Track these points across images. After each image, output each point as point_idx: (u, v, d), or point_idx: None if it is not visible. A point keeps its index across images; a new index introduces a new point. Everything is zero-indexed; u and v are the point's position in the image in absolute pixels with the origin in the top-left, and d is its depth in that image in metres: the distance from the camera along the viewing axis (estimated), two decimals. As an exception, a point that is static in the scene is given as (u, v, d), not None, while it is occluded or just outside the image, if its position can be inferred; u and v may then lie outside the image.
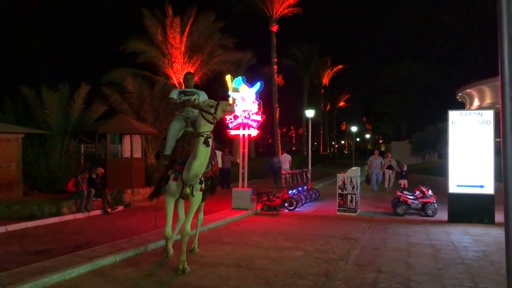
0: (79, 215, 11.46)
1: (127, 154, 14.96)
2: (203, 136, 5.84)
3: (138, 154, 15.17)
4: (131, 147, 14.70)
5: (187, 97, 6.64)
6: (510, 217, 2.04)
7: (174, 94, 6.92)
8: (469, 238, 8.71)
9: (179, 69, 22.17)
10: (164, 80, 21.58)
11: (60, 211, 11.31)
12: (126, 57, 21.11)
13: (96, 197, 12.12)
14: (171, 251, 6.89)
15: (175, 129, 6.52)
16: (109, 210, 12.15)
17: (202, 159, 5.92)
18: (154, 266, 6.58)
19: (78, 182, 11.78)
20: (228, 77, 12.40)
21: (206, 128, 5.89)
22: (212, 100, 6.07)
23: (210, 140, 5.90)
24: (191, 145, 6.16)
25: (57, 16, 54.53)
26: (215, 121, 5.93)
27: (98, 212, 12.06)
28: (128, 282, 5.72)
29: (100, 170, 12.63)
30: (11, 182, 12.72)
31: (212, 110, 5.85)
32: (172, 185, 6.25)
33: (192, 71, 22.36)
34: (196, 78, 22.62)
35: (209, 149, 5.97)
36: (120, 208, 12.89)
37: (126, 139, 15.01)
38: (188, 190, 6.13)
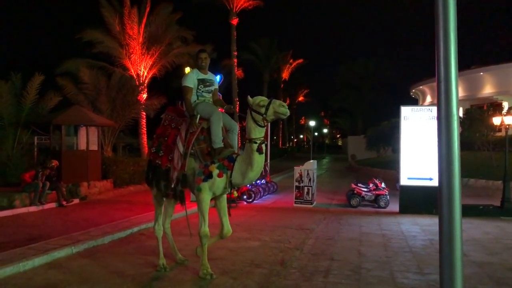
0: (33, 208, 11.18)
1: (83, 146, 14.65)
2: (255, 142, 5.15)
3: (94, 147, 14.90)
4: (87, 139, 14.41)
5: (206, 89, 5.79)
6: (443, 205, 2.25)
7: (190, 81, 5.71)
8: (418, 228, 9.16)
9: (137, 61, 21.84)
10: (121, 71, 21.19)
11: (12, 204, 10.99)
12: (82, 46, 20.59)
13: (51, 189, 11.86)
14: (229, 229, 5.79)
15: (221, 118, 5.57)
16: (64, 203, 11.91)
17: (258, 168, 5.29)
18: (111, 257, 6.56)
19: (37, 177, 11.48)
20: (187, 69, 12.41)
21: (258, 133, 5.16)
22: (263, 98, 5.28)
23: (264, 146, 5.23)
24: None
25: (10, 1, 52.24)
26: (266, 123, 5.20)
27: (52, 205, 11.79)
28: (85, 274, 5.69)
29: (55, 162, 12.34)
30: (-41, 175, 12.22)
31: (263, 110, 5.10)
32: (218, 182, 5.37)
33: (150, 63, 22.10)
34: (154, 70, 22.41)
35: (263, 155, 5.28)
36: (76, 201, 12.65)
37: (82, 131, 14.70)
38: (235, 194, 5.65)
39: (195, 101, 5.72)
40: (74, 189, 13.19)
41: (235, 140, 5.80)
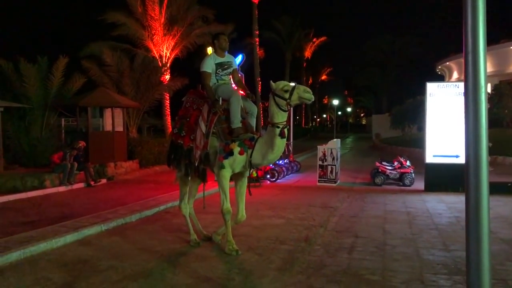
0: (62, 188, 11.51)
1: (108, 127, 14.93)
2: (278, 127, 5.19)
3: (120, 128, 15.15)
4: (113, 120, 14.66)
5: (225, 72, 5.84)
6: (470, 181, 2.22)
7: (208, 67, 5.74)
8: (443, 205, 9.07)
9: (159, 42, 21.91)
10: (144, 52, 21.32)
11: (43, 184, 11.34)
12: (105, 29, 20.74)
13: (79, 170, 12.17)
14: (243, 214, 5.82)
15: (240, 99, 5.59)
16: (92, 183, 12.22)
17: (279, 152, 5.38)
18: (139, 234, 6.74)
19: (65, 158, 11.80)
20: (209, 49, 12.41)
21: (281, 117, 5.20)
22: (286, 83, 5.29)
23: (287, 131, 5.32)
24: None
25: (33, -14, 52.84)
26: (289, 108, 5.26)
27: (81, 185, 12.12)
28: (114, 250, 5.87)
29: (82, 143, 12.64)
30: (-8, 157, 12.64)
31: (287, 95, 5.11)
32: (239, 159, 5.47)
33: (172, 43, 22.13)
34: (176, 51, 22.46)
35: (285, 139, 5.36)
36: (103, 181, 12.96)
37: (108, 112, 14.96)
38: (255, 174, 5.76)
39: (215, 83, 5.80)
40: (101, 169, 13.49)
41: (254, 123, 5.88)
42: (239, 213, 5.76)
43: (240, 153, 5.44)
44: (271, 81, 5.29)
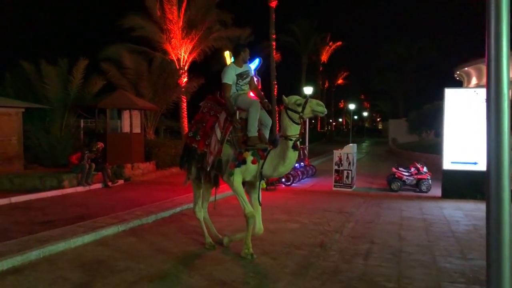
0: (80, 189, 11.67)
1: (126, 129, 15.10)
2: (291, 140, 5.29)
3: (137, 130, 15.31)
4: (131, 122, 14.82)
5: (244, 82, 5.88)
6: (491, 188, 2.20)
7: (229, 78, 5.73)
8: (461, 213, 8.96)
9: (177, 45, 22.07)
10: (162, 56, 21.51)
11: (61, 184, 11.51)
12: (124, 32, 20.99)
13: (97, 171, 12.32)
14: (261, 227, 5.87)
15: (258, 110, 5.62)
16: (109, 183, 12.36)
17: (290, 164, 5.52)
18: (155, 236, 6.80)
19: (83, 158, 11.98)
20: (226, 53, 12.46)
21: (294, 130, 5.31)
22: (299, 97, 5.42)
23: (298, 143, 5.40)
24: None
25: (54, -11, 53.76)
26: (302, 121, 5.36)
27: (98, 185, 12.27)
28: (131, 251, 5.94)
29: (100, 144, 12.81)
30: (12, 156, 12.90)
31: (300, 109, 5.24)
32: (251, 168, 5.56)
33: (190, 47, 22.28)
34: (194, 55, 22.61)
35: (297, 152, 5.45)
36: (120, 182, 13.10)
37: (126, 114, 15.13)
38: (264, 185, 5.80)
39: (234, 92, 5.83)
40: (119, 170, 13.64)
41: (267, 134, 5.94)
42: (256, 226, 5.78)
43: (253, 162, 5.54)
44: (283, 96, 5.41)
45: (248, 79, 5.97)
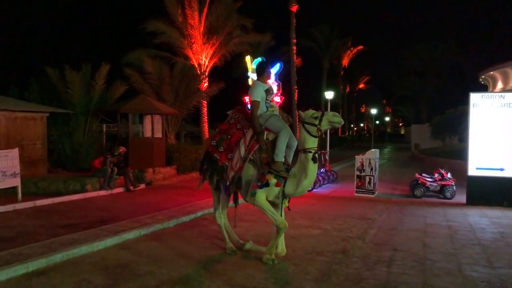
0: (102, 192, 11.82)
1: (148, 134, 15.24)
2: (310, 152, 5.42)
3: (159, 134, 15.43)
4: (152, 127, 14.95)
5: (271, 97, 5.85)
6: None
7: (258, 95, 5.68)
8: (486, 220, 8.74)
9: (198, 50, 22.24)
10: (183, 61, 21.69)
11: (84, 188, 11.67)
12: (146, 37, 21.24)
13: (119, 175, 12.46)
14: (284, 248, 5.86)
15: (288, 135, 5.59)
16: (131, 188, 12.48)
17: (312, 177, 5.55)
18: (176, 240, 6.82)
19: (106, 162, 12.15)
20: (247, 58, 12.51)
21: (312, 143, 5.43)
22: (314, 111, 5.53)
23: (317, 155, 5.51)
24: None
25: (78, -4, 54.90)
26: (320, 134, 5.44)
27: (120, 189, 12.40)
28: (152, 255, 5.97)
29: (122, 149, 12.95)
30: (37, 160, 13.15)
31: (316, 122, 5.39)
32: (275, 190, 5.58)
33: (211, 52, 22.43)
34: (215, 60, 22.75)
35: (317, 164, 5.55)
36: (142, 186, 13.22)
37: (147, 119, 15.28)
38: (286, 204, 5.72)
39: (265, 112, 5.74)
40: (140, 174, 13.77)
41: (291, 156, 5.84)
42: (279, 247, 5.75)
43: (277, 185, 5.51)
44: (299, 111, 5.58)
45: (273, 95, 5.97)
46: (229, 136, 5.81)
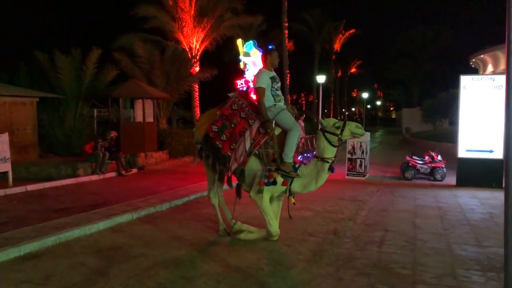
0: (94, 177, 11.80)
1: (139, 118, 15.18)
2: (328, 162, 5.35)
3: (150, 119, 15.38)
4: (144, 111, 14.89)
5: (278, 86, 5.67)
6: (510, 178, 2.16)
7: (264, 82, 5.49)
8: (476, 201, 8.86)
9: (189, 34, 22.06)
10: (174, 45, 21.51)
11: (76, 173, 11.65)
12: (136, 21, 21.03)
13: (111, 159, 12.44)
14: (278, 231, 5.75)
15: (299, 135, 5.49)
16: (123, 172, 12.47)
17: (321, 183, 5.53)
18: (169, 223, 6.85)
19: (96, 147, 12.10)
20: (239, 41, 12.25)
21: (331, 152, 5.34)
22: (336, 120, 5.47)
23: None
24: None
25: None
26: (340, 143, 5.37)
27: (112, 174, 12.39)
28: (145, 238, 6.00)
29: (114, 134, 12.91)
30: (28, 145, 13.06)
31: (338, 131, 5.28)
32: (281, 189, 5.49)
33: (202, 36, 22.25)
34: (206, 43, 22.58)
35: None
36: (134, 170, 13.21)
37: (138, 103, 15.20)
38: (293, 200, 5.55)
39: (273, 104, 5.55)
40: (132, 159, 13.76)
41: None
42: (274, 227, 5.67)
43: (284, 184, 5.40)
44: (320, 119, 5.53)
45: (279, 84, 5.74)
46: (232, 125, 5.55)
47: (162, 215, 7.47)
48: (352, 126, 5.33)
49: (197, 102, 23.04)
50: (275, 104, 5.56)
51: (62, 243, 5.65)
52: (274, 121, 5.51)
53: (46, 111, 14.65)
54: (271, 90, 5.57)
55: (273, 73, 5.70)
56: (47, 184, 10.41)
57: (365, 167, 12.27)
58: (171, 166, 14.87)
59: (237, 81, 10.75)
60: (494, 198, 9.11)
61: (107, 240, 5.86)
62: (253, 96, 5.89)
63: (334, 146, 5.33)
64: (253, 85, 5.73)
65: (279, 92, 5.73)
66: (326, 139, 5.32)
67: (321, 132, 5.39)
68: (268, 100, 5.53)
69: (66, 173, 11.56)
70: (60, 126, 14.60)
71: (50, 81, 14.87)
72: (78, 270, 4.72)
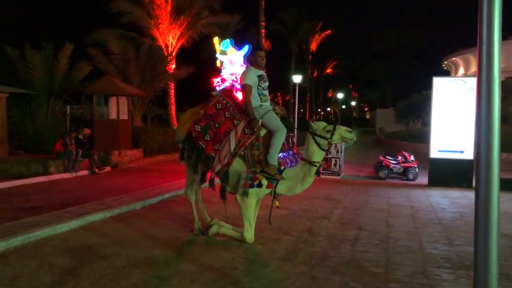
0: (67, 175, 11.55)
1: (113, 115, 14.93)
2: (315, 166, 5.31)
3: (124, 116, 15.15)
4: (118, 108, 14.65)
5: (265, 85, 5.55)
6: (481, 177, 2.19)
7: (250, 79, 5.38)
8: (447, 200, 9.05)
9: (165, 31, 21.85)
10: (150, 42, 21.28)
11: (48, 170, 11.38)
12: (111, 16, 20.70)
13: (83, 157, 12.19)
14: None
15: (284, 137, 5.43)
16: (96, 170, 12.25)
17: (307, 187, 5.49)
18: (143, 222, 6.76)
19: (66, 143, 11.84)
20: (216, 39, 12.20)
21: (319, 156, 5.31)
22: (326, 124, 5.41)
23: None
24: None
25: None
26: (329, 147, 5.37)
27: (85, 172, 12.16)
28: (118, 237, 5.89)
29: (87, 131, 12.67)
30: (-4, 142, 12.69)
31: (328, 135, 5.25)
32: (266, 191, 5.42)
33: (178, 33, 22.07)
34: (182, 41, 22.39)
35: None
36: (107, 168, 13.00)
37: (113, 100, 14.95)
38: (277, 203, 5.51)
39: (260, 105, 5.45)
40: (106, 157, 13.53)
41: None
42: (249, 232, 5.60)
43: (268, 186, 5.32)
44: (310, 122, 5.41)
45: (267, 84, 5.60)
46: (216, 125, 5.46)
47: (136, 214, 7.37)
48: (342, 130, 5.31)
49: (172, 100, 22.84)
50: (261, 105, 5.48)
51: (31, 242, 5.49)
52: (260, 121, 5.44)
53: (16, 107, 14.26)
54: (258, 89, 5.47)
55: (261, 72, 5.60)
56: (17, 182, 10.14)
57: (340, 166, 12.40)
58: (146, 165, 14.69)
59: (214, 79, 10.70)
60: (464, 197, 9.33)
61: (79, 240, 5.73)
62: (238, 95, 5.83)
63: (323, 150, 5.31)
64: (240, 82, 5.65)
65: (266, 92, 5.62)
66: (316, 142, 5.29)
67: (310, 135, 5.34)
68: (255, 100, 5.43)
69: (37, 171, 11.27)
70: (31, 123, 14.26)
71: (21, 76, 14.50)
72: (48, 270, 4.60)
